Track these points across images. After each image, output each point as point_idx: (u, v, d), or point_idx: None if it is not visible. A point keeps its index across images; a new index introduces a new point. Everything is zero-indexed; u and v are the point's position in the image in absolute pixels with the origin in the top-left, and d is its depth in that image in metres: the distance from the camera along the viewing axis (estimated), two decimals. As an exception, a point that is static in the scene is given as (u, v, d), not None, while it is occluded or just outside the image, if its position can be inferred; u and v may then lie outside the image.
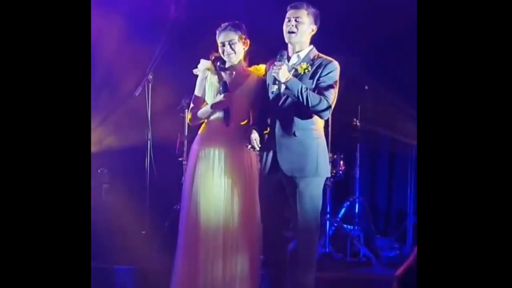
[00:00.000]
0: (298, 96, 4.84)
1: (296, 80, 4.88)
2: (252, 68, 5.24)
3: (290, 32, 4.97)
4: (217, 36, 5.15)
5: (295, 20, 4.95)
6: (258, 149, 5.00)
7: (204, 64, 5.24)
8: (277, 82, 4.92)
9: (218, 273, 5.03)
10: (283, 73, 4.85)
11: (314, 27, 5.03)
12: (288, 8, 5.01)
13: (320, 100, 4.85)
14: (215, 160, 5.12)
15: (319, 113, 4.91)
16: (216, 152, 5.12)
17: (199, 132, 5.25)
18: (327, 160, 5.11)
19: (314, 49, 5.06)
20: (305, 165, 4.94)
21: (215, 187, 5.09)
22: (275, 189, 4.99)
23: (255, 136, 4.98)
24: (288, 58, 5.02)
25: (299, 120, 4.95)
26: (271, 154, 4.99)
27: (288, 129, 4.95)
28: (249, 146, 4.99)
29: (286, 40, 5.02)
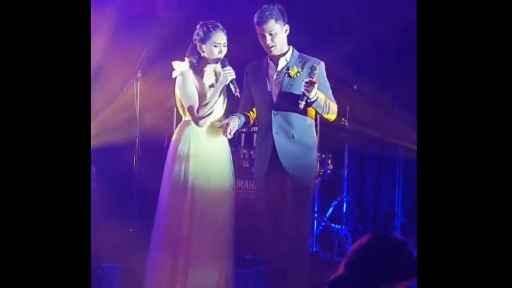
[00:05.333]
0: (323, 108, 4.95)
1: (320, 93, 4.91)
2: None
3: (271, 47, 5.01)
4: (211, 33, 5.12)
5: (270, 34, 4.99)
6: (229, 137, 5.07)
7: (181, 65, 5.22)
8: (305, 98, 4.89)
9: (188, 277, 5.07)
10: (315, 91, 4.86)
11: (287, 27, 5.07)
12: (255, 22, 5.01)
13: (334, 104, 5.04)
14: (190, 159, 5.13)
15: (332, 116, 5.08)
16: (193, 150, 5.18)
17: (178, 128, 5.28)
18: (316, 156, 5.26)
19: (294, 49, 5.12)
20: (307, 163, 5.07)
21: (189, 187, 5.14)
22: (274, 190, 5.03)
23: (232, 125, 5.01)
24: (276, 65, 5.07)
25: (296, 121, 5.02)
26: (268, 156, 5.03)
27: (287, 133, 5.02)
28: (225, 131, 5.02)
29: (269, 53, 5.07)
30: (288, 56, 5.07)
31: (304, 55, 5.11)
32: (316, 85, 4.82)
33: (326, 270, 6.40)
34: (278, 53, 5.04)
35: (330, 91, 5.06)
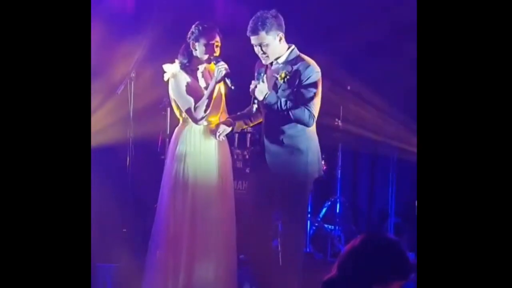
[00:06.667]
0: (278, 111, 4.90)
1: (274, 95, 4.90)
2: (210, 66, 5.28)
3: (263, 57, 5.02)
4: (206, 32, 5.15)
5: (260, 45, 4.97)
6: (217, 139, 5.12)
7: (171, 67, 5.22)
8: (256, 101, 4.95)
9: (190, 275, 5.07)
10: (260, 91, 4.90)
11: (281, 34, 5.00)
12: (248, 33, 5.00)
13: (303, 110, 4.89)
14: (188, 159, 5.14)
15: (303, 123, 4.94)
16: (190, 150, 5.17)
17: (176, 130, 5.29)
18: (319, 160, 5.14)
19: (295, 49, 5.07)
20: (294, 169, 5.00)
21: (188, 186, 5.15)
22: (263, 190, 5.03)
23: (221, 128, 5.10)
24: (269, 66, 5.05)
25: (287, 128, 4.99)
26: (260, 157, 5.04)
27: (275, 137, 5.00)
28: (214, 134, 5.12)
29: (263, 62, 5.06)
30: (281, 59, 5.02)
31: (303, 56, 5.04)
32: (259, 86, 4.88)
33: (319, 270, 6.43)
34: (270, 61, 5.02)
35: (311, 98, 4.92)
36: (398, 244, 2.93)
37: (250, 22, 4.98)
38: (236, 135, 6.89)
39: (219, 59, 5.11)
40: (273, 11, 4.98)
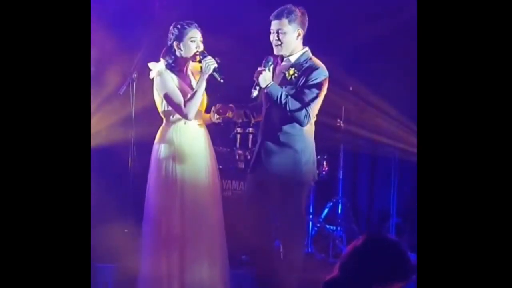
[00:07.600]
0: (277, 102, 4.89)
1: (276, 86, 4.92)
2: (195, 66, 5.26)
3: (276, 45, 5.01)
4: (186, 30, 5.12)
5: (277, 32, 4.98)
6: (215, 121, 5.17)
7: (157, 66, 5.21)
8: (257, 88, 4.94)
9: (183, 277, 5.07)
10: (264, 78, 4.90)
11: (301, 31, 5.02)
12: (271, 17, 5.02)
13: (300, 108, 4.90)
14: (175, 160, 5.14)
15: (297, 121, 4.93)
16: (177, 150, 5.16)
17: (160, 130, 5.26)
18: (313, 162, 5.13)
19: (308, 51, 5.08)
20: (289, 168, 4.98)
21: (177, 187, 5.13)
22: (259, 189, 5.03)
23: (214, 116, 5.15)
24: (279, 62, 5.05)
25: (285, 126, 4.99)
26: (256, 155, 5.04)
27: (273, 134, 4.99)
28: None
29: (275, 52, 5.05)
30: (293, 57, 5.03)
31: (314, 59, 5.06)
32: (263, 73, 4.87)
33: (321, 270, 6.43)
34: (282, 53, 5.02)
35: (312, 99, 4.94)
36: (400, 245, 2.93)
37: (277, 9, 5.01)
38: (238, 136, 6.89)
39: (205, 54, 5.08)
40: (301, 8, 5.04)
